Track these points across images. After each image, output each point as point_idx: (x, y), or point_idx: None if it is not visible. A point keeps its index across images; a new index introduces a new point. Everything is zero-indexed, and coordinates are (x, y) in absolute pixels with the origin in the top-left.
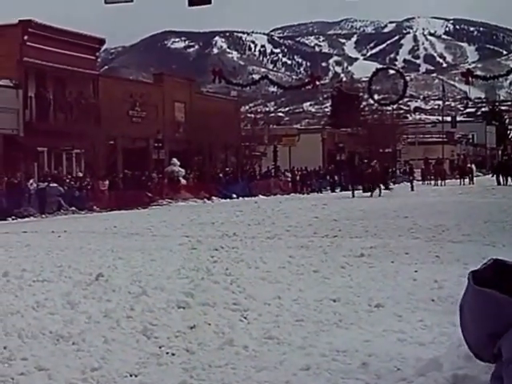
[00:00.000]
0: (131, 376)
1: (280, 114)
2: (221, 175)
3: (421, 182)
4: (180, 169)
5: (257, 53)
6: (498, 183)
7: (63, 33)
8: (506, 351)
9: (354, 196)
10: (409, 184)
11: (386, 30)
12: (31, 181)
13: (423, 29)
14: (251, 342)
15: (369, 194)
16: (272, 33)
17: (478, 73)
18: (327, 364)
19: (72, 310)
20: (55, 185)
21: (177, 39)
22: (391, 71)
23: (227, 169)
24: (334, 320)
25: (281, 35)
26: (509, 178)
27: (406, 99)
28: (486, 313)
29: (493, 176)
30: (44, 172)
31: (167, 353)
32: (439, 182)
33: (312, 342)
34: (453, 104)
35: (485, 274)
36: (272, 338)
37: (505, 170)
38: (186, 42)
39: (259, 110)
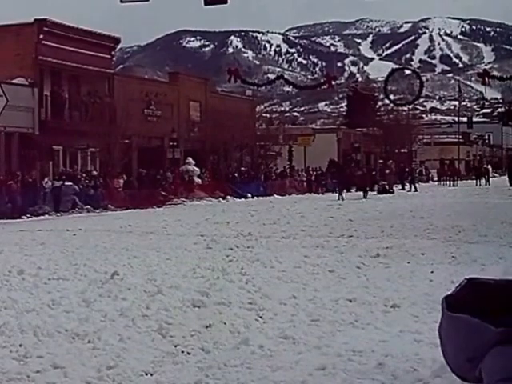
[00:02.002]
0: (147, 375)
1: (295, 114)
2: (236, 175)
3: (436, 183)
4: (195, 168)
5: (272, 52)
6: (511, 184)
7: (78, 31)
8: (486, 376)
9: (343, 199)
10: (424, 184)
11: (401, 30)
12: (46, 179)
13: (439, 29)
14: (267, 341)
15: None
16: (287, 32)
17: (495, 73)
18: (343, 364)
19: (87, 309)
20: (70, 183)
21: (192, 38)
22: (407, 71)
23: (242, 168)
24: (349, 320)
25: (296, 35)
26: None
27: (421, 99)
28: (462, 338)
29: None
30: (59, 170)
31: (183, 352)
32: (453, 182)
33: (328, 342)
34: (469, 104)
35: (459, 295)
36: (288, 337)
37: None
38: (202, 42)
39: (274, 110)
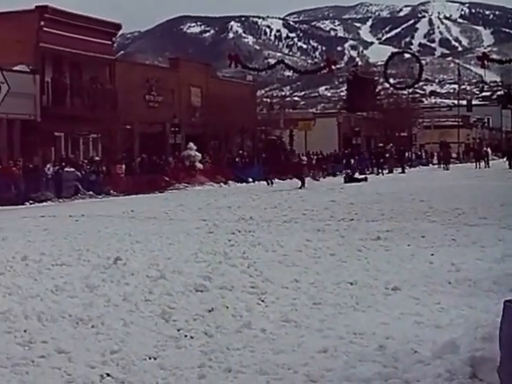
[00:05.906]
0: (150, 359)
1: (296, 99)
2: (237, 159)
3: (436, 166)
4: (196, 153)
5: (272, 37)
6: (510, 167)
7: (79, 18)
8: None
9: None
10: (425, 168)
11: (401, 14)
12: (48, 165)
13: (438, 12)
14: (269, 324)
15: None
16: (287, 17)
17: (494, 56)
18: (345, 347)
19: (91, 294)
20: (72, 169)
21: (193, 24)
22: (407, 55)
23: (243, 152)
24: (351, 303)
25: (296, 20)
26: None
27: (421, 83)
28: None
29: (505, 160)
30: (61, 156)
31: (186, 336)
32: (446, 166)
33: (329, 325)
34: (468, 88)
35: None
36: (289, 320)
37: None
38: (202, 27)
39: (275, 95)
